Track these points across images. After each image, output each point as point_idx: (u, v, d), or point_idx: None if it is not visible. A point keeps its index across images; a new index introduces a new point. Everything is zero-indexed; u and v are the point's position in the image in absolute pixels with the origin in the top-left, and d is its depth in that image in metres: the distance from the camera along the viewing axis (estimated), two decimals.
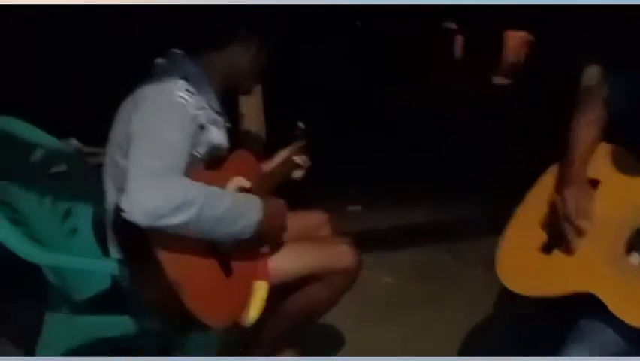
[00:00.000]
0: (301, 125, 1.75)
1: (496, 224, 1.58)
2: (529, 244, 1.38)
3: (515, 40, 8.94)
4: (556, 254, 1.33)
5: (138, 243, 1.22)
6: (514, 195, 1.58)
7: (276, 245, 1.55)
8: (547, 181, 1.46)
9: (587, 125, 1.40)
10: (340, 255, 1.57)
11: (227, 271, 1.39)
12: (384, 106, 5.19)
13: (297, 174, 1.71)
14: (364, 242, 1.99)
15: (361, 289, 2.24)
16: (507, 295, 1.50)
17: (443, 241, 3.08)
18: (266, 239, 1.44)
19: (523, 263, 1.38)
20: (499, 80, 8.51)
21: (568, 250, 1.30)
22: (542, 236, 1.37)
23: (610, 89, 1.43)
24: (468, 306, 2.37)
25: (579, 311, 1.22)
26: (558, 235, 1.32)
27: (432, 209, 3.44)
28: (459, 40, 8.36)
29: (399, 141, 4.44)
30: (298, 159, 1.70)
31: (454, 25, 8.24)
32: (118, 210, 1.20)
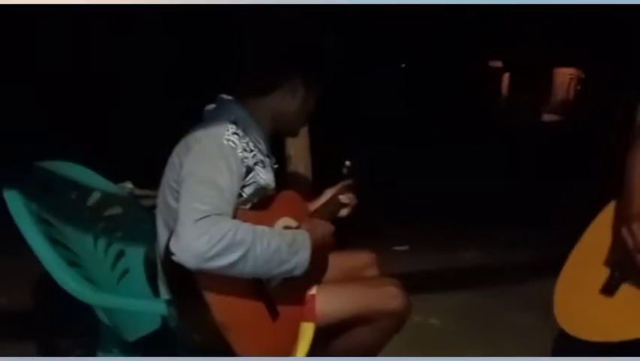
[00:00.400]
0: (348, 163, 1.75)
1: (551, 266, 1.52)
2: (589, 285, 1.32)
3: (564, 76, 8.81)
4: (621, 296, 1.26)
5: (187, 284, 1.23)
6: (571, 235, 1.52)
7: (323, 286, 1.54)
8: (605, 219, 1.40)
9: None
10: (389, 297, 1.54)
11: (274, 312, 1.38)
12: (433, 145, 5.18)
13: (344, 212, 1.71)
14: (411, 283, 1.95)
15: (407, 331, 2.19)
16: (565, 340, 1.43)
17: (495, 284, 2.99)
18: (314, 271, 1.43)
19: (583, 305, 1.31)
20: (549, 117, 8.37)
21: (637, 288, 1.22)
22: (603, 276, 1.31)
23: None
24: (519, 352, 2.27)
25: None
26: (625, 272, 1.26)
27: (483, 250, 3.35)
28: (506, 78, 8.32)
29: (448, 180, 4.39)
30: (344, 198, 1.69)
31: (499, 64, 8.22)
32: (168, 251, 1.22)
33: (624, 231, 1.28)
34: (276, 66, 1.50)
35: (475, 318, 2.63)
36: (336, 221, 1.66)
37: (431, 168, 4.54)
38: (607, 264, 1.32)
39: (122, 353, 1.48)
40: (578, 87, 8.27)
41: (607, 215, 1.40)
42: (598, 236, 1.37)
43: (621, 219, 1.31)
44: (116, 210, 1.75)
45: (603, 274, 1.31)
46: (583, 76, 8.21)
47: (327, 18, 1.60)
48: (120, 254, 1.66)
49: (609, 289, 1.28)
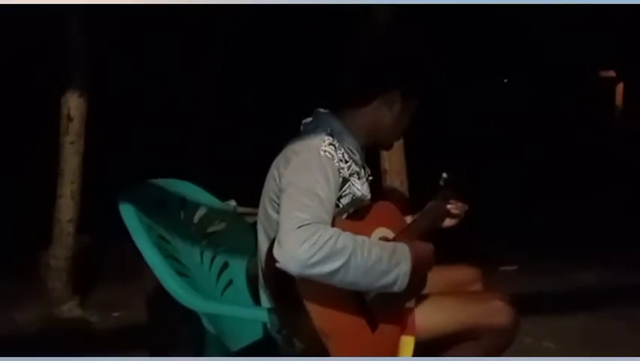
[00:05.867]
0: (445, 175, 1.71)
1: None
2: None
3: None
4: None
5: (289, 292, 1.25)
6: None
7: (424, 299, 1.49)
8: None
9: None
10: (495, 311, 1.46)
11: (374, 325, 1.36)
12: (539, 156, 4.92)
13: (449, 222, 1.68)
14: (522, 305, 1.84)
15: (522, 354, 2.06)
16: None
17: (615, 307, 2.74)
18: (413, 288, 1.39)
19: None
20: None
21: None
22: None
23: None
24: None
25: None
26: None
27: (598, 271, 3.10)
28: (620, 88, 7.75)
29: (560, 194, 4.13)
30: (453, 207, 1.66)
31: (613, 74, 7.68)
32: (269, 260, 1.25)
33: None
34: (372, 77, 1.49)
35: (594, 343, 2.43)
36: (438, 240, 1.61)
37: (542, 183, 4.30)
38: None
39: None
40: None
41: None
42: None
43: None
44: (221, 226, 1.83)
45: None
46: None
47: (428, 28, 1.57)
48: (224, 266, 1.73)
49: None
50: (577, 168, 4.78)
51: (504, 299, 1.50)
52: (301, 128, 1.57)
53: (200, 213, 1.78)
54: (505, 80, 6.49)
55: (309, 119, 1.57)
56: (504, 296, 1.52)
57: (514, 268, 3.19)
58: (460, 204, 1.66)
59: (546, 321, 2.59)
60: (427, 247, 1.44)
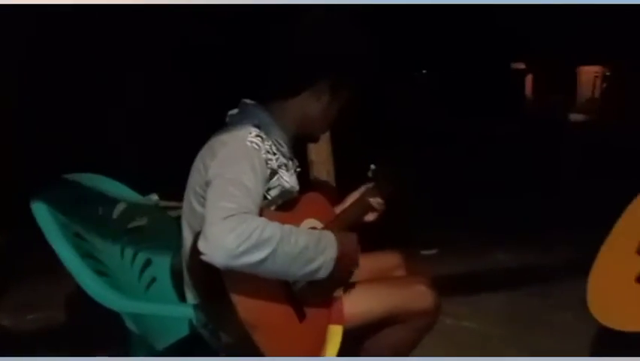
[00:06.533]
0: (373, 167, 1.73)
1: (585, 264, 1.47)
2: (623, 276, 1.27)
3: (589, 75, 8.65)
4: None
5: (213, 286, 1.23)
6: (603, 233, 1.47)
7: (351, 287, 1.52)
8: (635, 210, 1.36)
9: None
10: (418, 295, 1.52)
11: (302, 315, 1.37)
12: (459, 148, 5.13)
13: (370, 217, 1.68)
14: (442, 287, 1.92)
15: (440, 334, 2.15)
16: (603, 338, 1.37)
17: (529, 284, 2.92)
18: (339, 277, 1.41)
19: (618, 296, 1.27)
20: (575, 117, 8.22)
21: None
22: (637, 265, 1.26)
23: None
24: (557, 351, 2.21)
25: None
26: None
27: (515, 251, 3.28)
28: (529, 79, 8.22)
29: (476, 182, 4.33)
30: (373, 202, 1.67)
31: (523, 66, 8.12)
32: (194, 253, 1.22)
33: None
34: (301, 68, 1.49)
35: (511, 319, 2.57)
36: (362, 226, 1.64)
37: (458, 170, 4.49)
38: None
39: None
40: (604, 85, 8.11)
41: (637, 205, 1.36)
42: (630, 226, 1.33)
43: None
44: (143, 221, 1.77)
45: (637, 263, 1.26)
46: (608, 73, 8.05)
47: (359, 22, 1.57)
48: (147, 263, 1.68)
49: None
50: (492, 156, 5.03)
51: (426, 283, 1.56)
52: (227, 119, 1.54)
53: (120, 208, 1.71)
54: (425, 72, 6.69)
55: (235, 110, 1.55)
56: (426, 280, 1.58)
57: (434, 251, 3.31)
58: (379, 200, 1.66)
59: (465, 302, 2.71)
60: (351, 237, 1.47)
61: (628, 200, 1.45)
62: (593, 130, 6.95)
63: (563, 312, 2.49)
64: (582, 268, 1.47)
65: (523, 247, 3.30)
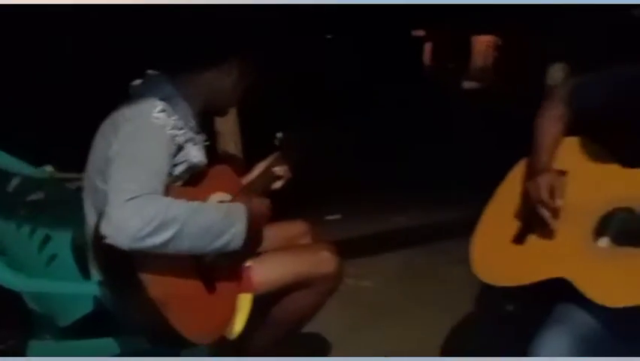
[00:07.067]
0: (280, 135, 1.76)
1: (475, 223, 1.62)
2: (501, 237, 1.42)
3: (482, 44, 9.14)
4: (529, 244, 1.37)
5: (120, 264, 1.22)
6: (490, 194, 1.62)
7: (259, 257, 1.57)
8: (515, 176, 1.51)
9: (550, 121, 1.45)
10: (322, 261, 1.59)
11: (211, 287, 1.40)
12: (359, 114, 5.26)
13: (277, 184, 1.72)
14: (344, 250, 2.02)
15: (343, 295, 2.28)
16: (488, 290, 1.54)
17: (424, 243, 3.13)
18: (249, 244, 1.44)
19: (497, 255, 1.41)
20: (469, 85, 8.70)
21: (547, 233, 1.33)
22: (514, 228, 1.42)
23: (574, 87, 1.48)
24: (450, 305, 2.41)
25: (556, 297, 1.26)
26: (532, 223, 1.37)
27: (413, 213, 3.49)
28: (428, 47, 8.53)
29: (376, 147, 4.49)
30: (279, 170, 1.71)
31: (422, 33, 8.40)
32: (99, 233, 1.20)
33: (529, 184, 1.39)
34: (210, 44, 1.47)
35: (407, 277, 2.77)
36: (269, 194, 1.68)
37: (359, 136, 4.63)
38: (517, 216, 1.43)
39: (55, 339, 1.44)
40: (496, 54, 8.62)
41: (518, 172, 1.51)
42: (509, 191, 1.48)
43: (528, 175, 1.42)
44: (39, 195, 1.69)
45: (514, 226, 1.42)
46: (500, 43, 8.55)
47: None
48: (46, 239, 1.61)
49: (519, 239, 1.39)
50: (392, 121, 5.21)
51: (330, 249, 1.64)
52: (130, 91, 1.49)
53: (15, 182, 1.62)
54: (330, 37, 6.73)
55: (138, 81, 1.50)
56: (330, 247, 1.66)
57: (337, 217, 3.44)
58: (284, 167, 1.70)
59: (366, 262, 2.87)
60: (261, 202, 1.51)
61: (512, 164, 1.59)
62: (484, 97, 7.40)
63: (456, 268, 2.71)
64: (473, 226, 1.62)
65: (419, 209, 3.50)
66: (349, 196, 3.56)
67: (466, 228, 1.56)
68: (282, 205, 1.80)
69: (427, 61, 8.60)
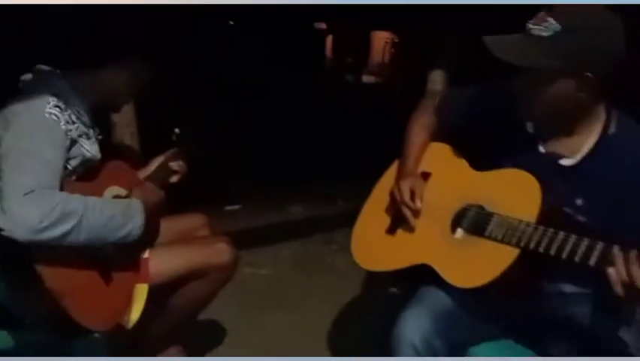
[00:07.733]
0: (177, 130, 1.82)
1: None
2: (377, 228, 1.62)
3: (380, 40, 9.53)
4: (398, 235, 1.57)
5: (16, 257, 1.25)
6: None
7: (156, 248, 1.64)
8: (390, 174, 1.70)
9: (419, 129, 1.65)
10: (217, 252, 1.68)
11: (109, 278, 1.45)
12: (257, 104, 5.31)
13: (174, 179, 1.77)
14: (242, 239, 2.11)
15: (242, 283, 2.39)
16: (373, 275, 1.72)
17: (316, 233, 3.32)
18: (146, 237, 1.50)
19: (373, 244, 1.61)
20: (368, 79, 9.06)
21: (408, 229, 1.54)
22: (387, 220, 1.61)
23: (442, 99, 1.67)
24: (341, 287, 2.62)
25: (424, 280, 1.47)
26: (399, 218, 1.57)
27: (307, 204, 3.64)
28: (329, 40, 8.74)
29: (273, 140, 4.59)
30: (174, 165, 1.76)
31: (323, 26, 8.59)
32: None
33: (394, 187, 1.58)
34: (103, 43, 1.50)
35: (300, 264, 2.93)
36: (167, 186, 1.73)
37: (258, 129, 4.70)
38: (389, 211, 1.62)
39: None
40: (393, 51, 9.01)
41: (391, 172, 1.70)
42: (385, 187, 1.67)
43: (397, 176, 1.62)
44: None
45: (387, 219, 1.61)
46: (397, 40, 8.94)
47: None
48: None
49: (391, 231, 1.59)
50: (292, 112, 5.32)
51: (226, 241, 1.74)
52: (19, 85, 1.49)
53: None
54: (232, 23, 6.70)
55: (29, 75, 1.51)
56: (226, 238, 1.76)
57: (237, 207, 3.52)
58: (180, 162, 1.76)
59: (264, 252, 3.00)
60: (157, 194, 1.58)
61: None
62: (380, 91, 7.72)
63: (343, 256, 2.91)
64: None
65: (313, 201, 3.67)
66: (249, 187, 3.64)
67: (353, 221, 1.73)
68: (184, 195, 1.87)
69: (328, 54, 8.80)
